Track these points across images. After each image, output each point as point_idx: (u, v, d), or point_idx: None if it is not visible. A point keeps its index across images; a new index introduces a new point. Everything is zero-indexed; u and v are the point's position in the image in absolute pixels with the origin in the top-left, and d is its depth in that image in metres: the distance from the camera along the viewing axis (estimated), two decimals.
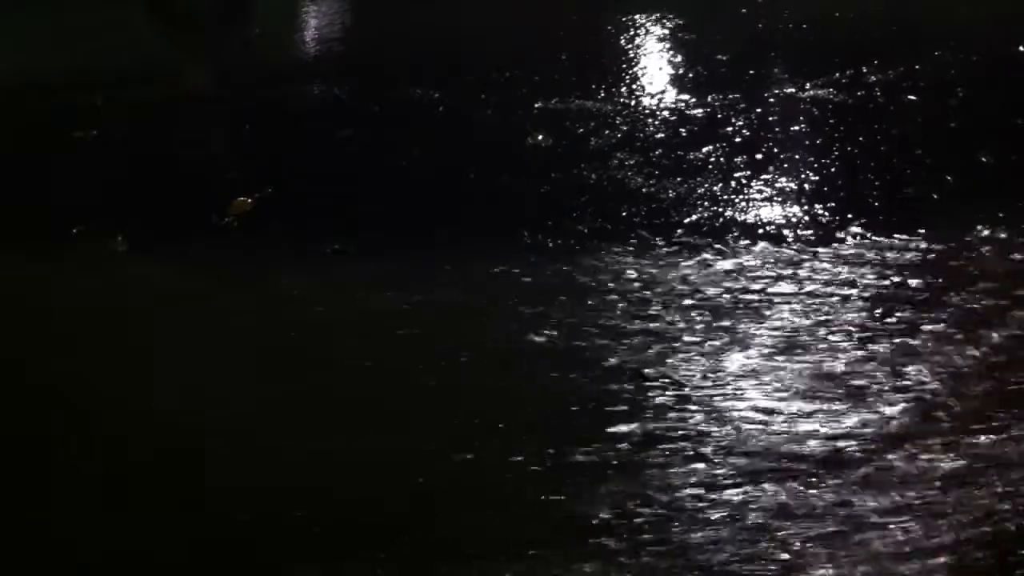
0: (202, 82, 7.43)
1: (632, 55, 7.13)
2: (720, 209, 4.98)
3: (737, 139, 5.70)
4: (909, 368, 3.77)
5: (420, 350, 4.02)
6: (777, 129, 5.83)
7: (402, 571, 3.06)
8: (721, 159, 5.48)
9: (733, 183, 5.21)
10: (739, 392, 3.69)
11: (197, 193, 5.40)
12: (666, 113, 6.10)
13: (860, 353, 3.86)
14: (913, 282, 4.28)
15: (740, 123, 5.88)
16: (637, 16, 7.79)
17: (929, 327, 3.99)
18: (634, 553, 3.07)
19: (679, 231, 4.78)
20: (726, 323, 4.08)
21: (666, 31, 7.54)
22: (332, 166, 5.69)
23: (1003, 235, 4.56)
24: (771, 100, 6.16)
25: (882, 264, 4.42)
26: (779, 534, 3.10)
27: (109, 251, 4.87)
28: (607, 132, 5.86)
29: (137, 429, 3.68)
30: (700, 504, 3.22)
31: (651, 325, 4.08)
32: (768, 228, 4.78)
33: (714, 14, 7.79)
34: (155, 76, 7.11)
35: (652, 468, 3.37)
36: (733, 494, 3.25)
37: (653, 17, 7.77)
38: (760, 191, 5.12)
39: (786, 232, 4.74)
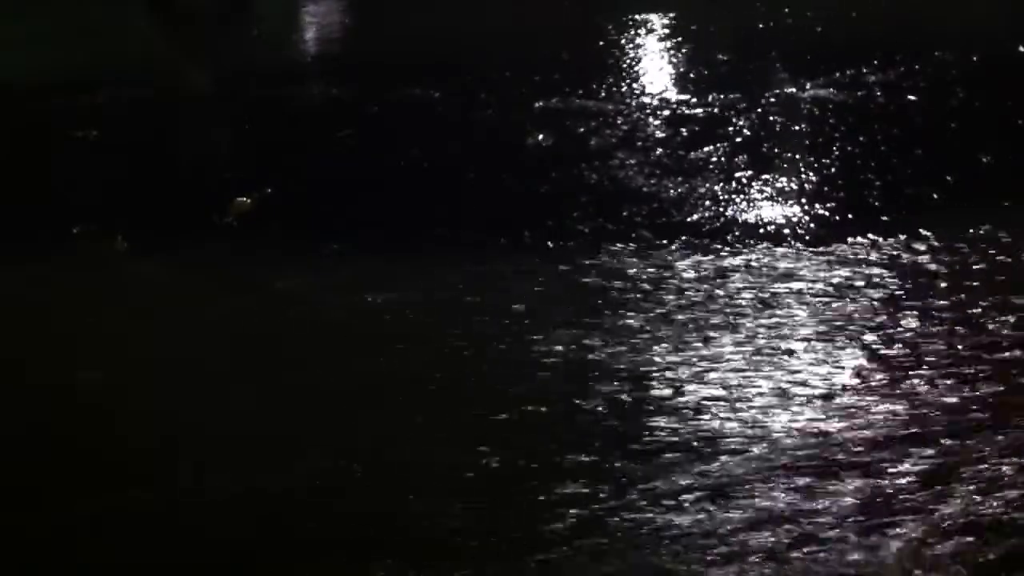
0: (202, 82, 7.44)
1: (632, 55, 7.14)
2: (721, 209, 4.98)
3: (737, 139, 5.70)
4: (909, 368, 3.77)
5: (420, 349, 4.02)
6: (777, 129, 5.84)
7: (402, 569, 3.06)
8: (722, 159, 5.48)
9: (734, 183, 5.21)
10: (740, 391, 3.69)
11: (197, 193, 5.40)
12: (666, 113, 6.11)
13: (861, 352, 3.87)
14: (913, 281, 4.29)
15: (740, 123, 5.88)
16: (637, 16, 7.80)
17: (929, 326, 3.99)
18: (628, 548, 3.08)
19: (680, 231, 4.78)
20: (727, 322, 4.08)
21: (666, 31, 7.55)
22: (332, 166, 5.69)
23: (1003, 235, 4.56)
24: (771, 100, 6.17)
25: (882, 264, 4.43)
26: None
27: (109, 251, 4.87)
28: (607, 132, 5.86)
29: (137, 428, 3.68)
30: (680, 513, 3.23)
31: (652, 324, 4.08)
32: (768, 228, 4.78)
33: (714, 14, 7.80)
34: (155, 76, 7.12)
35: (651, 467, 3.37)
36: (742, 491, 3.26)
37: (653, 17, 7.78)
38: (761, 191, 5.13)
39: (786, 232, 4.74)
